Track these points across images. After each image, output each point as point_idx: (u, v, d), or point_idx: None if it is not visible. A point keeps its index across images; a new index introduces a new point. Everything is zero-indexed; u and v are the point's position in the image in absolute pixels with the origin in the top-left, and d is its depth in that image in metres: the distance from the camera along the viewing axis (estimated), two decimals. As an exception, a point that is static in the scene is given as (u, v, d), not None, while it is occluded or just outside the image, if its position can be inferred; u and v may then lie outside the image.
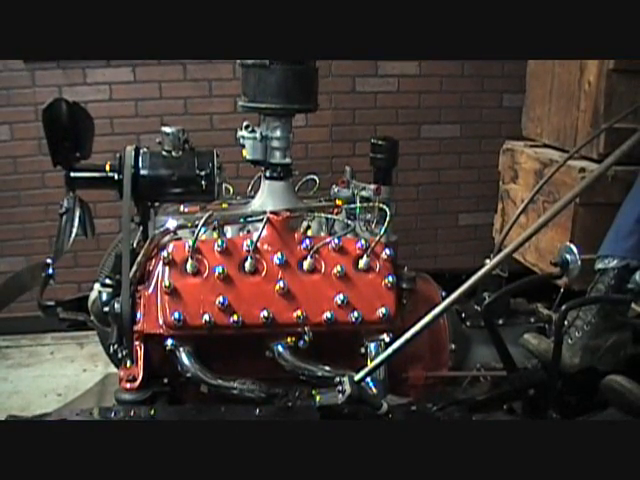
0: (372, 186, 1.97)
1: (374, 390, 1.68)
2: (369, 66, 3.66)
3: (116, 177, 1.86)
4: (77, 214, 1.94)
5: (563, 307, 1.69)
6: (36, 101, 3.45)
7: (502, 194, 3.15)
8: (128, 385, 1.71)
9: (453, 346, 1.94)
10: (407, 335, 1.40)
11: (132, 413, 1.52)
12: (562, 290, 2.06)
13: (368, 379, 1.51)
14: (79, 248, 2.03)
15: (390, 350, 1.42)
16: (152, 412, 1.53)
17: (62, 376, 3.35)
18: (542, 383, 1.73)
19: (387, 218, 1.81)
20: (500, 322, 2.06)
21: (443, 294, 1.97)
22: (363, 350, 1.80)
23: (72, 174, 1.91)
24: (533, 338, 1.88)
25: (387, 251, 1.78)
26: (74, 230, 1.94)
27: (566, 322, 1.84)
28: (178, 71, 3.53)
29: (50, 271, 2.16)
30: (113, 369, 2.08)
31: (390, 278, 1.76)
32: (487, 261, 1.85)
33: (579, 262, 1.79)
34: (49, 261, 2.14)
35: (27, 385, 3.28)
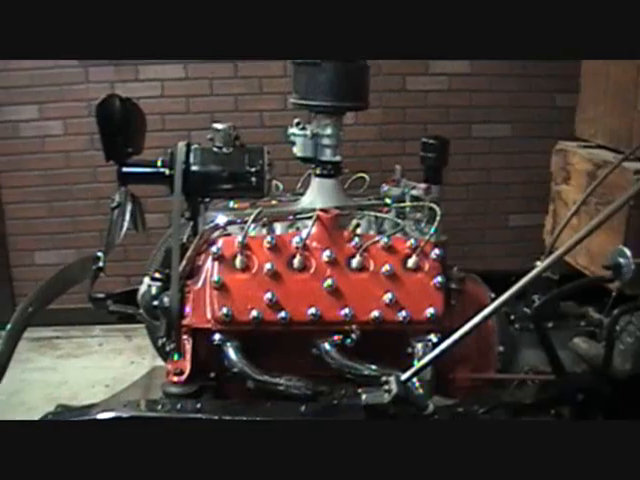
0: (422, 185, 1.95)
1: (420, 391, 1.67)
2: (420, 65, 3.64)
3: (167, 173, 1.87)
4: (128, 209, 1.97)
5: (615, 311, 1.66)
6: (89, 97, 3.52)
7: (553, 195, 3.09)
8: (175, 378, 1.72)
9: (501, 348, 1.91)
10: (455, 336, 1.39)
11: (179, 406, 1.54)
12: (614, 294, 2.02)
13: (414, 379, 1.50)
14: (129, 242, 2.06)
15: (437, 351, 1.41)
16: (198, 406, 1.54)
17: (110, 368, 3.41)
18: (591, 388, 1.70)
19: (437, 218, 1.79)
20: (549, 325, 2.02)
21: (492, 295, 1.94)
22: (410, 350, 1.78)
23: (124, 169, 1.94)
24: (583, 342, 1.85)
25: (436, 251, 1.76)
26: (125, 224, 1.97)
27: (618, 327, 1.80)
28: (229, 68, 3.56)
29: (100, 264, 2.19)
30: (160, 362, 2.10)
31: (439, 278, 1.75)
32: (537, 263, 1.82)
33: (632, 265, 1.75)
34: (100, 254, 2.17)
35: (75, 375, 3.35)
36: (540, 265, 1.44)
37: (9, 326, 1.82)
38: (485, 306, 1.40)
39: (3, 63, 3.49)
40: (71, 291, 2.27)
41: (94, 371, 3.38)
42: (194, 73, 3.57)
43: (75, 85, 3.55)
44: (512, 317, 2.06)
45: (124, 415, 1.48)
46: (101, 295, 2.23)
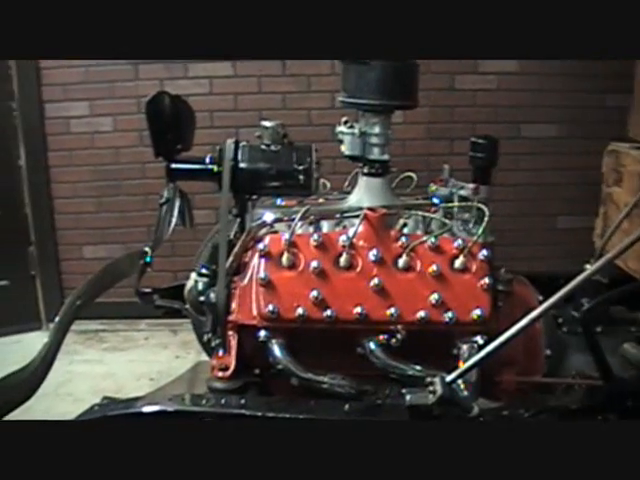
0: (470, 185, 1.93)
1: (465, 392, 1.65)
2: (468, 64, 3.61)
3: (216, 169, 1.89)
4: (177, 204, 1.99)
5: (667, 317, 1.63)
6: (138, 94, 3.57)
7: (604, 197, 3.04)
8: (220, 374, 1.73)
9: (548, 352, 1.88)
10: (501, 338, 1.37)
11: (223, 402, 1.55)
12: (666, 299, 1.98)
13: (459, 381, 1.49)
14: (176, 238, 2.08)
15: (483, 353, 1.40)
16: (242, 402, 1.55)
17: (155, 362, 3.45)
18: (641, 394, 1.67)
19: (485, 218, 1.77)
20: (598, 330, 1.98)
21: (540, 298, 1.92)
22: (455, 351, 1.76)
23: (173, 165, 1.96)
24: (632, 348, 1.82)
25: (484, 252, 1.74)
26: (173, 220, 1.99)
27: (669, 333, 1.77)
28: (277, 66, 3.58)
29: (148, 259, 2.22)
30: (205, 357, 2.11)
31: (486, 279, 1.73)
32: (587, 266, 1.79)
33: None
34: (147, 249, 2.20)
35: (121, 369, 3.40)
36: (590, 268, 1.42)
37: (57, 319, 1.85)
38: (533, 308, 1.38)
39: (57, 60, 3.55)
40: (118, 285, 2.31)
41: (139, 364, 3.43)
42: (242, 71, 3.59)
43: (125, 82, 3.61)
44: (560, 320, 2.03)
45: (169, 409, 1.50)
46: (148, 290, 2.26)
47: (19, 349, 3.60)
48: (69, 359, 3.38)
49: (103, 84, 3.62)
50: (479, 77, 3.64)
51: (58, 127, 3.69)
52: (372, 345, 1.73)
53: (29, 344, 3.64)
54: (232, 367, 1.73)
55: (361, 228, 1.73)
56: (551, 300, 1.37)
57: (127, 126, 3.62)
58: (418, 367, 1.70)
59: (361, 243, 1.73)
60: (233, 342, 1.77)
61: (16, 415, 1.48)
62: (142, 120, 1.93)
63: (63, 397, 3.08)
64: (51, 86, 3.63)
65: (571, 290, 1.38)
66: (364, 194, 1.90)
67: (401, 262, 1.72)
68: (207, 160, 1.92)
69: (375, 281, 1.69)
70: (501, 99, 3.68)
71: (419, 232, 1.86)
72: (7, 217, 3.75)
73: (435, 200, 1.95)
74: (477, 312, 1.71)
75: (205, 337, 1.83)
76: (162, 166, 2.00)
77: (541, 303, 1.42)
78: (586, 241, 3.28)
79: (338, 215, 1.86)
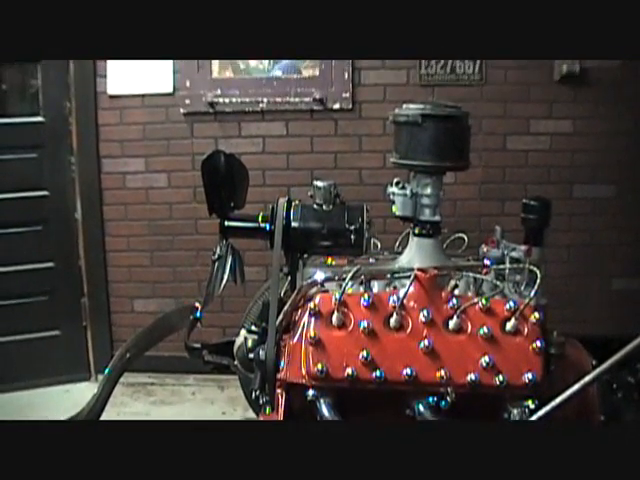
0: (522, 247, 1.92)
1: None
2: (521, 124, 3.61)
3: (268, 228, 1.91)
4: (229, 261, 2.01)
5: None
6: (193, 151, 3.65)
7: (660, 259, 2.98)
8: (268, 432, 1.72)
9: (602, 418, 1.83)
10: (553, 403, 1.34)
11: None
12: None
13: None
14: (226, 294, 2.10)
15: (535, 418, 1.36)
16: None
17: (202, 416, 3.44)
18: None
19: (537, 280, 1.75)
20: (656, 396, 1.93)
21: (594, 362, 1.87)
22: (506, 415, 1.73)
23: (226, 223, 1.99)
24: (692, 417, 1.76)
25: (536, 314, 1.72)
26: (225, 276, 2.01)
27: None
28: (329, 126, 3.63)
29: (198, 314, 2.24)
30: (251, 414, 2.11)
31: (538, 343, 1.69)
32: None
33: None
34: (198, 304, 2.22)
35: (169, 423, 3.39)
36: (646, 332, 1.39)
37: (107, 370, 1.88)
38: (586, 373, 1.35)
39: (119, 117, 3.67)
40: (168, 339, 2.33)
41: (187, 419, 3.42)
42: (295, 130, 3.65)
43: (181, 140, 3.69)
44: (615, 386, 1.98)
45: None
46: (197, 345, 2.27)
47: (68, 399, 3.64)
48: (117, 411, 3.39)
49: (159, 141, 3.71)
50: (531, 138, 3.63)
51: (114, 182, 3.78)
52: (421, 407, 1.70)
53: (78, 394, 3.68)
54: (280, 425, 1.72)
55: (412, 289, 1.72)
56: (605, 364, 1.35)
57: (181, 182, 3.70)
58: (468, 431, 1.67)
59: (412, 304, 1.72)
60: (281, 400, 1.76)
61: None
62: (196, 177, 1.97)
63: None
64: (109, 142, 3.73)
65: (626, 354, 1.35)
66: (415, 254, 1.90)
67: (452, 324, 1.70)
68: (260, 218, 1.95)
69: (425, 342, 1.68)
70: (554, 159, 3.65)
71: (470, 294, 1.85)
72: (62, 268, 3.83)
73: (487, 261, 1.94)
74: (528, 376, 1.68)
75: (253, 394, 1.82)
76: (214, 222, 2.03)
77: (595, 367, 1.39)
78: (642, 303, 3.21)
79: (389, 275, 1.86)
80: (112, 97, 3.68)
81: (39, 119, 3.68)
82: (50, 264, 3.79)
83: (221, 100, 3.61)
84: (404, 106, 1.88)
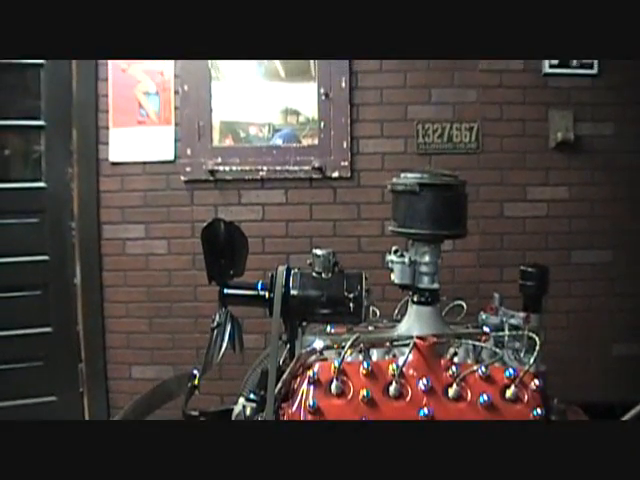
0: (521, 314, 1.92)
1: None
2: (517, 191, 3.65)
3: (267, 296, 1.92)
4: (228, 329, 2.01)
5: None
6: (193, 219, 3.68)
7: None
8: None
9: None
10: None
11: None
12: None
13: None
14: (225, 361, 2.08)
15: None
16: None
17: (199, 487, 3.37)
18: None
19: (536, 347, 1.75)
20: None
21: (596, 431, 1.86)
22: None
23: (225, 290, 1.99)
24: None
25: (536, 382, 1.71)
26: (224, 344, 2.01)
27: None
28: (328, 194, 3.66)
29: (196, 382, 2.22)
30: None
31: (539, 410, 1.68)
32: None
33: None
34: (196, 372, 2.20)
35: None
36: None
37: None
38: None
39: (120, 184, 3.71)
40: (165, 406, 2.30)
41: None
42: (294, 198, 3.68)
43: (181, 207, 3.72)
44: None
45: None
46: (195, 412, 2.24)
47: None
48: None
49: (160, 208, 3.74)
50: (528, 204, 3.67)
51: (114, 248, 3.79)
52: None
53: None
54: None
55: (411, 357, 1.72)
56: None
57: (181, 249, 3.71)
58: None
59: (411, 372, 1.71)
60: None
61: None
62: (196, 244, 1.98)
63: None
64: (110, 208, 3.76)
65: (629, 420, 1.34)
66: (414, 322, 1.90)
67: (451, 392, 1.69)
68: (259, 286, 1.96)
69: (425, 411, 1.66)
70: (551, 226, 3.68)
71: (469, 361, 1.84)
72: (60, 333, 3.81)
73: (486, 329, 1.94)
74: (530, 445, 1.66)
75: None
76: (213, 289, 2.03)
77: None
78: (643, 369, 3.19)
79: (388, 343, 1.85)
80: (114, 164, 3.73)
81: (41, 185, 3.72)
82: (48, 329, 3.77)
83: (221, 168, 3.65)
84: (402, 175, 1.91)
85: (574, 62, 3.61)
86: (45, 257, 3.74)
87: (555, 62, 3.60)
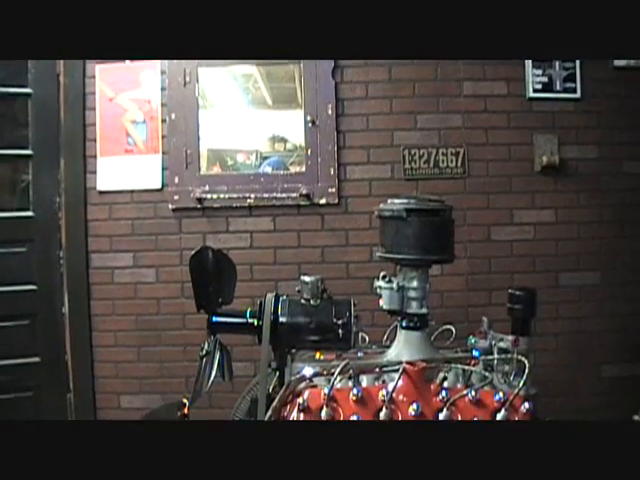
0: (510, 337, 1.93)
1: None
2: (504, 215, 3.67)
3: (256, 323, 1.92)
4: (217, 357, 2.01)
5: None
6: (181, 247, 3.67)
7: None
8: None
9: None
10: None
11: None
12: None
13: None
14: (214, 389, 2.07)
15: None
16: None
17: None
18: None
19: (526, 370, 1.76)
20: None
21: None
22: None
23: (214, 319, 1.99)
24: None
25: (526, 405, 1.72)
26: (213, 373, 2.00)
27: None
28: (316, 221, 3.67)
29: (186, 410, 2.21)
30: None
31: (530, 434, 1.69)
32: (635, 417, 1.74)
33: None
34: (185, 401, 2.19)
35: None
36: (638, 418, 1.38)
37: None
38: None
39: (108, 212, 3.71)
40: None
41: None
42: (282, 225, 3.68)
43: (169, 235, 3.72)
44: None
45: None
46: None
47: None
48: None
49: (148, 236, 3.73)
50: (515, 228, 3.68)
51: (102, 277, 3.77)
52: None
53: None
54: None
55: (401, 382, 1.72)
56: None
57: (169, 277, 3.70)
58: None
59: (401, 397, 1.72)
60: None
61: None
62: (184, 272, 1.98)
63: None
64: (98, 237, 3.75)
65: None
66: (403, 348, 1.90)
67: (442, 416, 1.70)
68: (247, 314, 1.96)
69: (416, 437, 1.66)
70: (538, 248, 3.69)
71: (459, 385, 1.84)
72: (48, 363, 3.77)
73: (475, 353, 1.94)
74: (522, 470, 1.66)
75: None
76: (202, 317, 2.03)
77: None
78: (633, 390, 3.19)
79: (377, 369, 1.85)
80: (101, 193, 3.72)
81: (29, 214, 3.70)
82: (36, 359, 3.74)
83: (209, 196, 3.66)
84: (389, 201, 1.92)
85: (557, 86, 3.65)
86: (33, 286, 3.71)
87: (539, 87, 3.64)
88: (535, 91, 3.65)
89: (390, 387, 1.70)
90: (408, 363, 1.75)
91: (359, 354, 2.01)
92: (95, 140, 3.71)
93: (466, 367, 1.88)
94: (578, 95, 3.66)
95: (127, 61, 3.67)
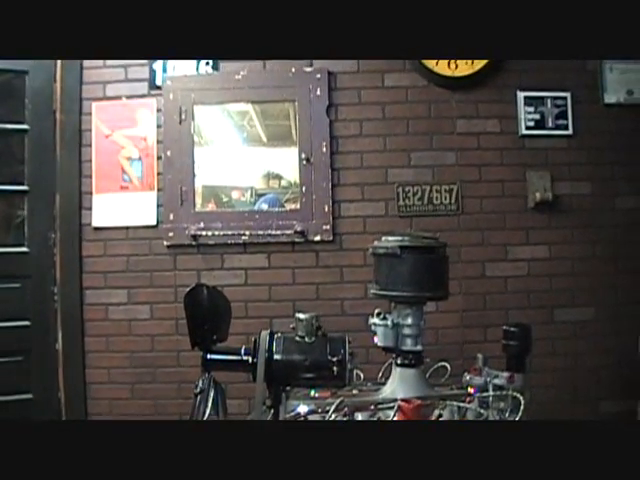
0: (505, 374, 1.93)
1: None
2: (498, 251, 3.68)
3: (250, 361, 1.91)
4: (211, 395, 1.99)
5: None
6: (176, 283, 3.67)
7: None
8: None
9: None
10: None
11: None
12: None
13: None
14: (208, 427, 2.07)
15: None
16: None
17: None
18: None
19: (521, 407, 1.75)
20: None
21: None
22: None
23: (209, 356, 1.99)
24: None
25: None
26: (208, 410, 1.99)
27: None
28: (311, 258, 3.67)
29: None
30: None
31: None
32: None
33: None
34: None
35: None
36: None
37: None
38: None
39: (103, 249, 3.71)
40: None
41: None
42: (277, 262, 3.69)
43: (164, 272, 3.72)
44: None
45: None
46: None
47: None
48: None
49: (142, 273, 3.73)
50: (510, 264, 3.69)
51: (97, 313, 3.76)
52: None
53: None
54: None
55: (396, 419, 1.71)
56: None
57: (164, 314, 3.69)
58: None
59: (396, 436, 1.70)
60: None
61: None
62: (178, 309, 1.98)
63: None
64: (92, 273, 3.75)
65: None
66: (398, 385, 1.90)
67: (437, 455, 1.68)
68: (242, 351, 1.95)
69: (411, 475, 1.65)
70: (533, 284, 3.70)
71: (455, 423, 1.83)
72: (41, 400, 3.74)
73: (470, 390, 1.94)
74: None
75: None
76: (197, 355, 2.02)
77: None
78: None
79: (372, 406, 1.85)
80: (96, 229, 3.73)
81: (24, 249, 3.71)
82: (29, 395, 3.71)
83: (204, 233, 3.66)
84: (383, 238, 1.94)
85: (549, 123, 3.69)
86: (27, 322, 3.70)
87: (531, 124, 3.68)
88: (527, 128, 3.69)
89: (385, 425, 1.70)
90: (403, 400, 1.75)
91: (354, 391, 2.00)
92: (91, 177, 3.73)
93: (461, 404, 1.88)
94: (570, 132, 3.70)
95: (123, 98, 3.71)
